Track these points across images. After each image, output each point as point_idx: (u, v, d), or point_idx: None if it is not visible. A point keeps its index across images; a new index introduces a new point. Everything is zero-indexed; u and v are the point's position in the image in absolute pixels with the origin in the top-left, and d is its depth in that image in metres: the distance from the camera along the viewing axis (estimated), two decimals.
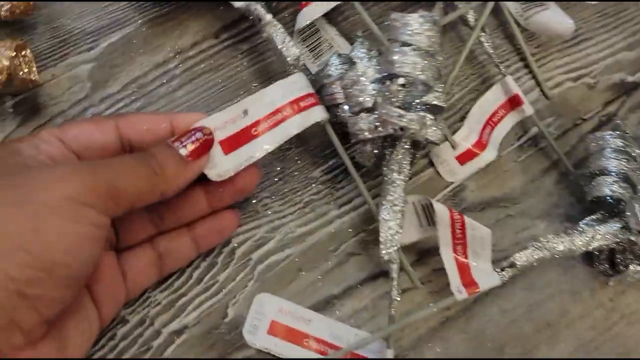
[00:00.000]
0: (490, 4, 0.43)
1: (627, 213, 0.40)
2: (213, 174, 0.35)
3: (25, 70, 0.37)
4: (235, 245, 0.40)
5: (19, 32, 0.40)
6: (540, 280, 0.43)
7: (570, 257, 0.42)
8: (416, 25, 0.35)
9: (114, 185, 0.29)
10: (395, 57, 0.36)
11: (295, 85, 0.38)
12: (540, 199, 0.45)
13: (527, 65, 0.47)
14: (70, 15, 0.41)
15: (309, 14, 0.42)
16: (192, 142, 0.33)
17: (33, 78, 0.36)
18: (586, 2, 0.46)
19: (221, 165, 0.35)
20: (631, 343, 0.42)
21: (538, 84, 0.47)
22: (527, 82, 0.47)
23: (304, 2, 0.43)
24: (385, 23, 0.37)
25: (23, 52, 0.37)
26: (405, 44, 0.36)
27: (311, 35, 0.44)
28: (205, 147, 0.34)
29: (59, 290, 0.28)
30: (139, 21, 0.42)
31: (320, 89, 0.41)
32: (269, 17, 0.40)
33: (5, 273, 0.26)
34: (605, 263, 0.43)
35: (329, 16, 0.45)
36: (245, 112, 0.36)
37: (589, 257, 0.44)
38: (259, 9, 0.40)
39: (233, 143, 0.35)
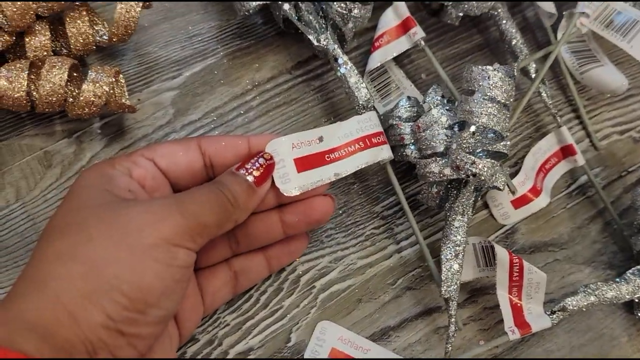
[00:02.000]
0: (552, 57, 0.46)
1: None
2: (285, 188, 0.36)
3: (119, 94, 0.39)
4: (300, 273, 0.42)
5: (109, 58, 0.42)
6: (583, 324, 0.45)
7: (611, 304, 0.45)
8: (496, 79, 0.38)
9: (200, 222, 0.31)
10: (475, 108, 0.38)
11: (369, 122, 0.40)
12: (585, 246, 0.47)
13: (578, 117, 0.50)
14: (157, 43, 0.43)
15: (380, 57, 0.45)
16: (257, 169, 0.35)
17: (127, 103, 0.38)
18: (634, 59, 0.48)
19: (293, 182, 0.37)
20: None
21: (588, 135, 0.49)
22: (578, 133, 0.49)
23: (376, 45, 0.45)
24: (465, 73, 0.39)
25: (118, 78, 0.39)
26: (483, 95, 0.38)
27: (380, 76, 0.47)
28: (268, 172, 0.36)
29: (154, 327, 0.30)
30: (221, 53, 0.44)
31: (388, 128, 0.43)
32: (345, 58, 0.42)
33: (106, 313, 0.28)
34: None
35: (396, 59, 0.47)
36: (321, 139, 0.38)
37: (629, 304, 0.46)
38: (337, 49, 0.42)
39: (306, 164, 0.37)
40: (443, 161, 0.40)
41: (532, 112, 0.49)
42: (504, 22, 0.46)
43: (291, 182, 0.36)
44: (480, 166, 0.38)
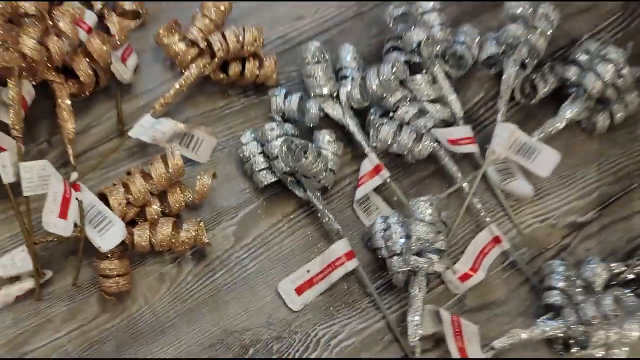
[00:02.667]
0: (479, 177, 0.69)
1: (567, 316, 0.63)
2: (293, 307, 0.64)
3: (201, 235, 0.65)
4: (320, 336, 0.66)
5: (194, 210, 0.68)
6: (517, 357, 0.66)
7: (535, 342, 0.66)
8: (424, 209, 0.62)
9: None
10: (413, 227, 0.62)
11: (338, 249, 0.66)
12: (518, 304, 0.69)
13: (507, 214, 0.72)
14: (221, 196, 0.69)
15: (363, 191, 0.69)
16: None
17: (206, 241, 0.64)
18: None
19: (297, 303, 0.64)
20: None
21: (515, 226, 0.72)
22: (508, 225, 0.72)
23: (360, 183, 0.69)
24: (407, 206, 0.64)
25: (200, 225, 0.65)
26: (418, 219, 0.62)
27: (365, 202, 0.71)
28: None
29: None
30: (261, 199, 0.70)
31: (370, 238, 0.67)
32: (320, 206, 0.67)
33: None
34: (560, 344, 0.66)
35: (376, 188, 0.71)
36: (309, 271, 0.65)
37: (549, 341, 0.67)
38: (315, 202, 0.67)
39: (302, 289, 0.65)
40: (401, 259, 0.63)
41: (473, 214, 0.72)
42: (443, 159, 0.70)
43: (295, 303, 0.64)
44: (420, 262, 0.61)
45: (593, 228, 0.73)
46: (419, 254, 0.63)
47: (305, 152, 0.63)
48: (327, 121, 0.72)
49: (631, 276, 0.68)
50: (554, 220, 0.73)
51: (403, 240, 0.64)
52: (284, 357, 0.65)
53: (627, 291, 0.66)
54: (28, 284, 0.62)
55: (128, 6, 0.73)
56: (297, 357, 0.65)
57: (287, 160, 0.64)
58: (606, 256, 0.71)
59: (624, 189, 0.75)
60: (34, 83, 0.64)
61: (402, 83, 0.70)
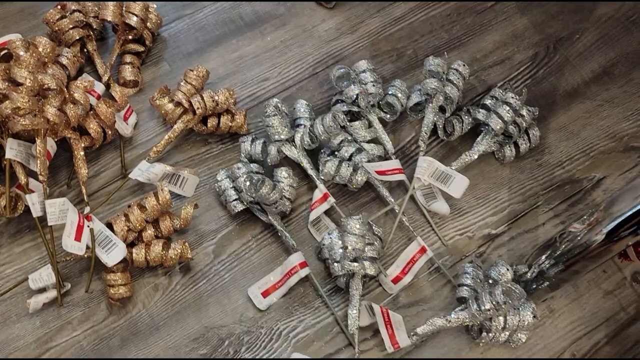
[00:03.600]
0: (406, 199, 0.87)
1: (470, 306, 0.80)
2: (260, 307, 0.81)
3: (186, 252, 0.83)
4: (282, 329, 0.83)
5: (180, 233, 0.87)
6: (441, 342, 0.83)
7: (455, 329, 0.82)
8: (353, 224, 0.80)
9: None
10: (345, 239, 0.80)
11: (292, 261, 0.83)
12: (441, 300, 0.86)
13: (432, 228, 0.90)
14: (201, 222, 0.88)
15: (315, 214, 0.87)
16: None
17: (189, 256, 0.83)
18: (466, 191, 0.89)
19: (263, 303, 0.82)
20: None
21: (439, 238, 0.89)
22: (433, 237, 0.89)
23: (312, 207, 0.87)
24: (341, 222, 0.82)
25: (185, 245, 0.83)
26: (350, 232, 0.80)
27: (318, 222, 0.89)
28: None
29: None
30: (235, 223, 0.88)
31: (320, 250, 0.85)
32: (279, 227, 0.85)
33: None
34: (474, 330, 0.83)
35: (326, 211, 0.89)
36: (272, 279, 0.82)
37: (467, 328, 0.84)
38: (276, 225, 0.85)
39: (267, 293, 0.82)
40: (340, 265, 0.81)
41: (404, 229, 0.89)
42: (378, 187, 0.88)
43: (262, 304, 0.81)
44: (353, 267, 0.79)
45: (504, 238, 0.90)
46: (355, 260, 0.80)
47: (262, 184, 0.81)
48: (288, 161, 0.90)
49: (531, 275, 0.85)
50: (471, 232, 0.90)
51: (341, 251, 0.81)
52: (252, 346, 0.82)
53: (531, 287, 0.83)
54: (52, 294, 0.80)
55: (128, 77, 0.93)
56: (262, 345, 0.82)
57: (249, 191, 0.82)
58: (514, 261, 0.88)
59: (530, 206, 0.92)
60: (55, 139, 0.83)
61: (344, 128, 0.89)
